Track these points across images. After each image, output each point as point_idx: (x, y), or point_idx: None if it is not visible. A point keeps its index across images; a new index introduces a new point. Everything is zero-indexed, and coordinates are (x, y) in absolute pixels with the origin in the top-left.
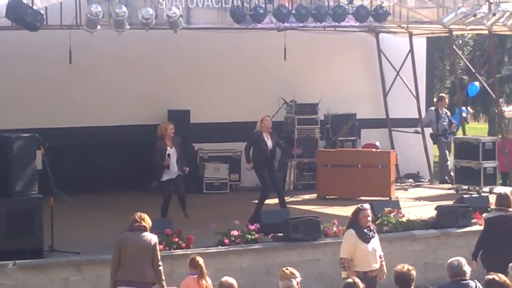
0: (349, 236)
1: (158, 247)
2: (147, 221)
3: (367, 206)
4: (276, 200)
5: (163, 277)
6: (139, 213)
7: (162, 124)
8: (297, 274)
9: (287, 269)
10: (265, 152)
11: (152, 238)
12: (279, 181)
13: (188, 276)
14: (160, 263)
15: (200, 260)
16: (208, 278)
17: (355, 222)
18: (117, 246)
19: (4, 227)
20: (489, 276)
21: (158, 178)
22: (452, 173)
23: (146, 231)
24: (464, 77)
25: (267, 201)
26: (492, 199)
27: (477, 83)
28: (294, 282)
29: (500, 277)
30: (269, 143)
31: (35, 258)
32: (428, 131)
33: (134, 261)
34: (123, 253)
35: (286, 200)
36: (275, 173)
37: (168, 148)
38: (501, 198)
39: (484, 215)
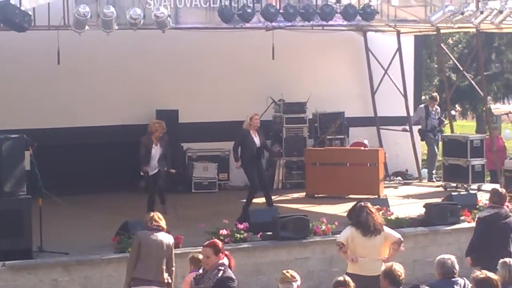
0: None
1: (173, 248)
2: (164, 222)
3: None
4: (264, 199)
5: (173, 279)
6: (154, 213)
7: (155, 122)
8: (297, 277)
9: (287, 272)
10: (252, 150)
11: (170, 238)
12: (267, 180)
13: (190, 273)
14: (174, 264)
15: (200, 257)
16: None
17: None
18: (137, 244)
19: None
20: (480, 275)
21: (146, 174)
22: (433, 171)
23: (164, 231)
24: (452, 74)
25: (256, 200)
26: (481, 196)
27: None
28: (295, 285)
29: (490, 275)
30: (257, 140)
31: (24, 258)
32: (417, 129)
33: (154, 260)
34: (143, 251)
35: (275, 199)
36: (263, 171)
37: (153, 145)
38: (494, 194)
39: (479, 213)
